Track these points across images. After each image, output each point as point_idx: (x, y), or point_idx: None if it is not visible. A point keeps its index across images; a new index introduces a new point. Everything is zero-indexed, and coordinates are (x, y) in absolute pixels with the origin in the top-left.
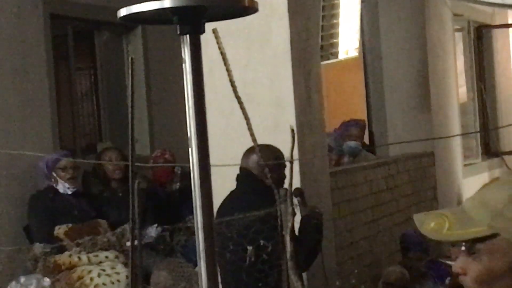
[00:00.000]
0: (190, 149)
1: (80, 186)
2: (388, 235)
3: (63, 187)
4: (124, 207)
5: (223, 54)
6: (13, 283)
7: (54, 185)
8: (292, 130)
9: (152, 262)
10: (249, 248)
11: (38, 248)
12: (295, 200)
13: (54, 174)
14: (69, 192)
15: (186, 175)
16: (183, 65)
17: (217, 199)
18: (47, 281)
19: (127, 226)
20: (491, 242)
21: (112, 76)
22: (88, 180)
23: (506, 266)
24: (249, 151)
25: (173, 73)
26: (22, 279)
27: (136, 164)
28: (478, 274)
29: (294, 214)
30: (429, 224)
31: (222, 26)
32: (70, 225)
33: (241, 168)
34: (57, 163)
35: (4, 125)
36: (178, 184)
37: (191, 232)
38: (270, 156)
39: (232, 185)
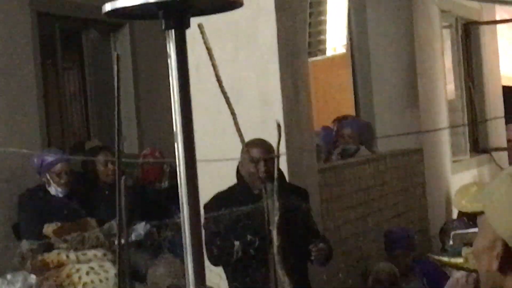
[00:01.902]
0: (176, 144)
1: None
2: (377, 232)
3: (55, 190)
4: (112, 205)
5: (209, 49)
6: (0, 280)
7: (46, 185)
8: (279, 125)
9: (140, 258)
10: (236, 243)
11: (25, 245)
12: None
13: (48, 177)
14: (61, 195)
15: (175, 173)
16: (168, 60)
17: (204, 195)
18: (33, 278)
19: (113, 223)
20: (482, 218)
21: (100, 75)
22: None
23: (486, 243)
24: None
25: (161, 71)
26: (9, 276)
27: (124, 160)
28: (473, 246)
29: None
30: (465, 189)
31: (208, 23)
32: (59, 223)
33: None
34: (52, 167)
35: None
36: (167, 182)
37: (178, 228)
38: (260, 149)
39: (219, 181)
